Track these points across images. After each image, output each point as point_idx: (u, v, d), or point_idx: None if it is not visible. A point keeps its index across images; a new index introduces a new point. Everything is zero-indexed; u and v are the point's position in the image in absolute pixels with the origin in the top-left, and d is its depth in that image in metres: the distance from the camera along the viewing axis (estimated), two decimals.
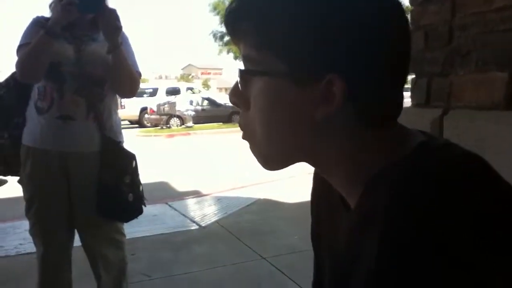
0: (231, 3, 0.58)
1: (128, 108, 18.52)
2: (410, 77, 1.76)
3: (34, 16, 2.06)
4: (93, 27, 2.04)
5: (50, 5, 2.05)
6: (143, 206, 2.18)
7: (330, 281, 0.67)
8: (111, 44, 1.96)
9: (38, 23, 2.00)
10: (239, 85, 0.58)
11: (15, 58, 1.98)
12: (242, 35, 0.57)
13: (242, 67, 0.58)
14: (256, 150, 0.60)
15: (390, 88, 0.56)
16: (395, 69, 0.55)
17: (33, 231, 2.11)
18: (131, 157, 2.17)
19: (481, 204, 0.45)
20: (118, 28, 1.94)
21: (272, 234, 4.32)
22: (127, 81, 2.07)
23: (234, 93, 0.60)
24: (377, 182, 0.53)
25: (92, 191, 2.04)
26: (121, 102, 19.96)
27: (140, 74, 2.16)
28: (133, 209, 2.15)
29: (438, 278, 0.43)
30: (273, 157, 0.59)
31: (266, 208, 5.31)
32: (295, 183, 6.49)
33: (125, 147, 2.19)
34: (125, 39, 2.08)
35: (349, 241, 0.58)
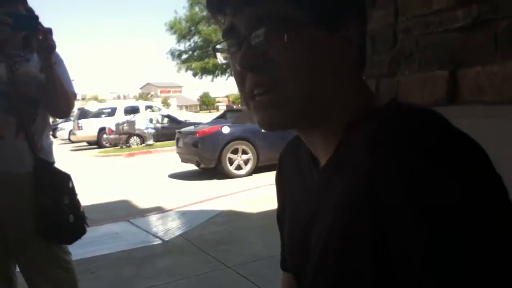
0: None
1: (86, 129, 18.07)
2: None
3: None
4: (26, 46, 2.00)
5: None
6: (86, 226, 2.08)
7: (289, 249, 0.72)
8: (44, 63, 1.93)
9: None
10: (261, 44, 0.57)
11: None
12: None
13: (256, 30, 0.57)
14: (275, 100, 0.58)
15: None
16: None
17: None
18: (66, 177, 2.09)
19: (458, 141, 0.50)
20: (53, 46, 1.91)
21: (236, 243, 4.33)
22: (61, 100, 2.02)
23: (254, 55, 0.57)
24: (354, 129, 0.58)
25: (26, 213, 1.94)
26: (78, 123, 19.48)
27: (75, 95, 2.12)
28: (76, 230, 2.06)
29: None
30: (292, 107, 0.58)
31: (229, 219, 5.32)
32: (256, 195, 6.54)
33: (59, 168, 2.10)
34: (59, 60, 2.05)
35: (318, 191, 0.62)
